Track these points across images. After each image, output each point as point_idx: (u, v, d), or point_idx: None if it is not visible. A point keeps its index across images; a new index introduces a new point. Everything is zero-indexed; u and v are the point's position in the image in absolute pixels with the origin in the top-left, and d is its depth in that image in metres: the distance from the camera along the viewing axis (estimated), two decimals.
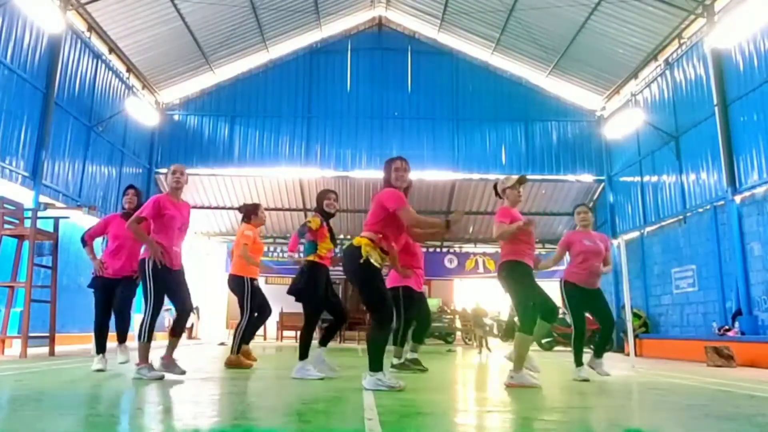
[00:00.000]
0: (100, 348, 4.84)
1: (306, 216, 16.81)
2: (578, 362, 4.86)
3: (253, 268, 5.77)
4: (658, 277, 12.80)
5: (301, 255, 4.96)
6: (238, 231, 5.92)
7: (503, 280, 4.30)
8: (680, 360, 9.10)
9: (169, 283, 4.22)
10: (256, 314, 5.68)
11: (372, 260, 3.64)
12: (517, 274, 4.22)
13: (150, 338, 4.14)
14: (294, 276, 4.92)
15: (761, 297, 9.33)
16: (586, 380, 4.63)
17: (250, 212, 5.89)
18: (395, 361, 5.55)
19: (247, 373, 5.00)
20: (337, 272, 5.76)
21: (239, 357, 5.48)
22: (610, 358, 6.23)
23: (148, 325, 4.12)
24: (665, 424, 2.70)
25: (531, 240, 4.35)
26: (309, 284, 4.61)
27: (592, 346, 5.26)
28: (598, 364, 4.97)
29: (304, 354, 4.55)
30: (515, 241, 4.26)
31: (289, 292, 4.71)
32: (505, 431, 2.46)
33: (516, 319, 4.37)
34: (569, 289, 5.03)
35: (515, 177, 4.47)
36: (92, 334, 5.02)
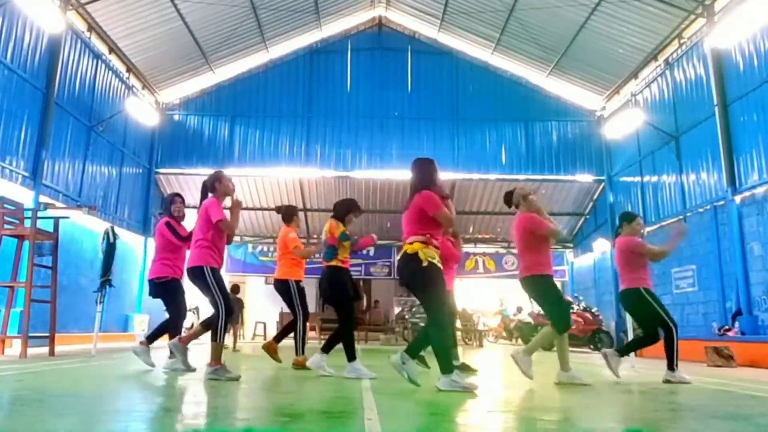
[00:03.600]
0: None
1: (306, 216, 16.79)
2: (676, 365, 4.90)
3: (297, 270, 5.83)
4: (658, 277, 12.78)
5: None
6: (282, 234, 5.92)
7: (537, 291, 4.48)
8: (680, 360, 9.07)
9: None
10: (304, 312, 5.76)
11: (433, 261, 3.65)
12: (554, 287, 4.51)
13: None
14: (319, 280, 5.02)
15: (761, 297, 9.33)
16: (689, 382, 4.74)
17: (292, 213, 5.96)
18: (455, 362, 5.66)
19: (247, 374, 5.00)
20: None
21: (305, 357, 5.42)
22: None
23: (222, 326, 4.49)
24: (665, 424, 2.70)
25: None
26: (337, 287, 4.79)
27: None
28: (617, 360, 5.05)
29: (352, 356, 4.65)
30: (545, 252, 4.47)
31: (324, 300, 4.89)
32: (506, 431, 2.46)
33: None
34: (654, 295, 5.01)
35: (530, 186, 4.72)
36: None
